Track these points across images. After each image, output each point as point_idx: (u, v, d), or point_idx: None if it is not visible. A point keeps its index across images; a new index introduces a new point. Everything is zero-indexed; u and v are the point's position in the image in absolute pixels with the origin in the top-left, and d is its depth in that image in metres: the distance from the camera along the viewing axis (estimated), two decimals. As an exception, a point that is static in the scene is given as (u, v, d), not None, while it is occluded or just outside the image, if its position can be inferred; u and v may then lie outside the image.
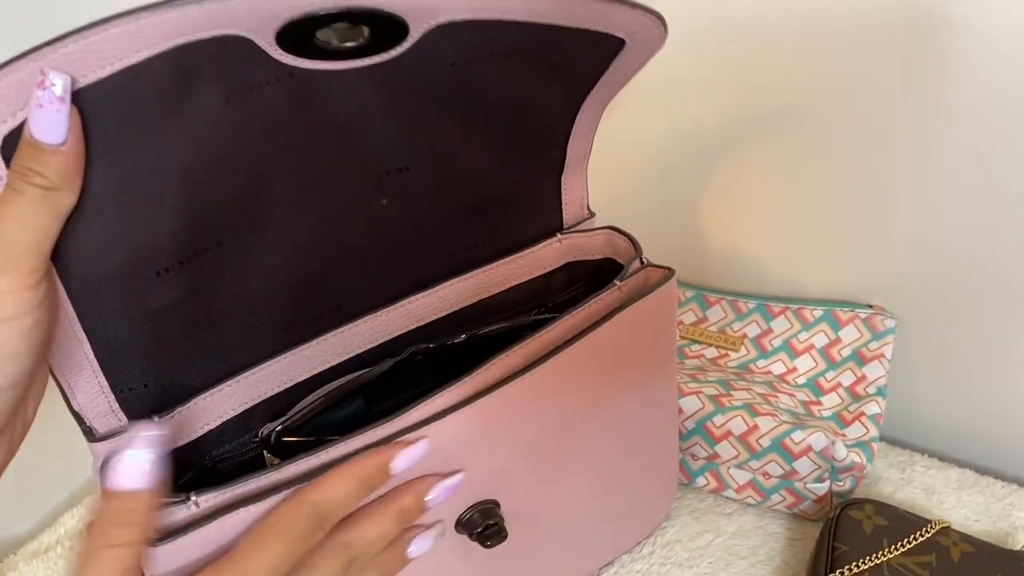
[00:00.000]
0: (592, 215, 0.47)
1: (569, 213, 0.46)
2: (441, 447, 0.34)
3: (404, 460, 0.32)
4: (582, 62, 0.36)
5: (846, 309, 0.58)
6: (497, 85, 0.35)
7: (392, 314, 0.41)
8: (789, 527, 0.54)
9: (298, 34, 0.26)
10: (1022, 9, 0.43)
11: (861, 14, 0.48)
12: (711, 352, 0.60)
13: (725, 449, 0.53)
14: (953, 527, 0.48)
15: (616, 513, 0.50)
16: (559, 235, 0.46)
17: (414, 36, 0.29)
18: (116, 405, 0.32)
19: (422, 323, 0.43)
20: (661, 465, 0.51)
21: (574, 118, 0.40)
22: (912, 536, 0.47)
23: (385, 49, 0.29)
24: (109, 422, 0.32)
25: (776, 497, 0.54)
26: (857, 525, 0.48)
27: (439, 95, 0.34)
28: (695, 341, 0.61)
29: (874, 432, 0.52)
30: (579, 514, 0.46)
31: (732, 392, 0.54)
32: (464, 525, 0.38)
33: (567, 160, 0.43)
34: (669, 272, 0.43)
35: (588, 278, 0.48)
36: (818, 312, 0.58)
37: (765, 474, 0.53)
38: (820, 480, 0.52)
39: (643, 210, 0.64)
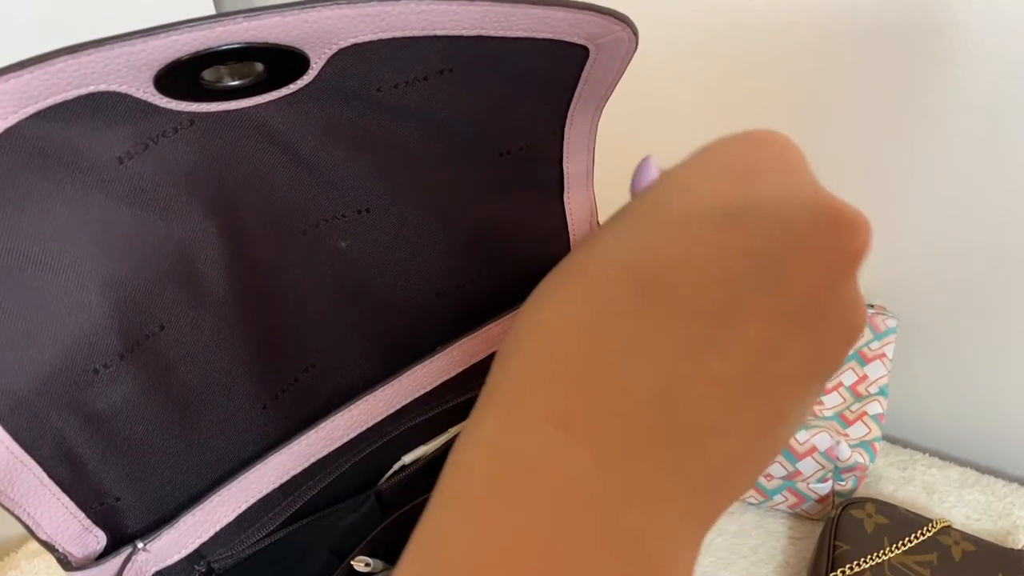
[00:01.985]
0: None
1: (577, 233, 0.43)
2: None
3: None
4: (544, 73, 0.33)
5: (848, 308, 0.58)
6: (447, 105, 0.32)
7: (393, 388, 0.38)
8: (790, 526, 0.54)
9: (180, 78, 0.23)
10: (1022, 9, 0.43)
11: (861, 15, 0.48)
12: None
13: (727, 448, 0.53)
14: (954, 526, 0.49)
15: None
16: None
17: (317, 64, 0.26)
18: (89, 523, 0.29)
19: (427, 389, 0.40)
20: None
21: (562, 134, 0.37)
22: (913, 535, 0.47)
23: (288, 81, 0.26)
24: (86, 542, 0.29)
25: (778, 497, 0.54)
26: (858, 524, 0.48)
27: (378, 125, 0.30)
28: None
29: (876, 432, 0.52)
30: None
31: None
32: None
33: (566, 178, 0.40)
34: None
35: None
36: (820, 311, 0.58)
37: (767, 475, 0.53)
38: (823, 480, 0.52)
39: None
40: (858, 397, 0.55)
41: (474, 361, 0.41)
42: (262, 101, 0.26)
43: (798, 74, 0.52)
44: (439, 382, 0.40)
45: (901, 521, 0.49)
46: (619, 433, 0.16)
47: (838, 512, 0.49)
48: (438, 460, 0.42)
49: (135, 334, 0.28)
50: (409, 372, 0.38)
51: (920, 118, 0.49)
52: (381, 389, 0.38)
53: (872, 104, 0.50)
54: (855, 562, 0.46)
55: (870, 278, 0.58)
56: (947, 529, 0.48)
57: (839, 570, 0.46)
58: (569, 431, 0.16)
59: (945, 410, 0.60)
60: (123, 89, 0.23)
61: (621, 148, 0.62)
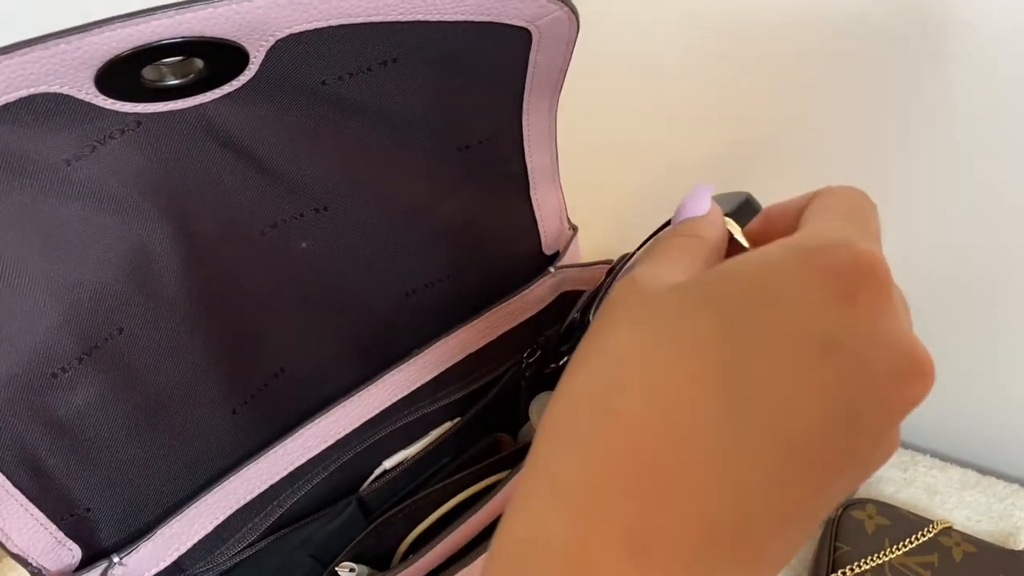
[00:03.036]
0: (574, 229, 0.44)
1: (547, 228, 0.43)
2: None
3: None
4: (491, 61, 0.32)
5: (848, 309, 0.58)
6: (394, 98, 0.31)
7: (370, 393, 0.38)
8: (791, 527, 0.54)
9: (121, 78, 0.23)
10: (1022, 9, 0.43)
11: (860, 15, 0.48)
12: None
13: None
14: (955, 527, 0.49)
15: None
16: (551, 269, 0.43)
17: (257, 57, 0.26)
18: (61, 535, 0.28)
19: (404, 394, 0.39)
20: None
21: (520, 126, 0.37)
22: (914, 536, 0.47)
23: (230, 77, 0.26)
24: (60, 556, 0.28)
25: (778, 497, 0.54)
26: (859, 525, 0.48)
27: (327, 120, 0.30)
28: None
29: (876, 432, 0.52)
30: None
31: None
32: None
33: (530, 173, 0.40)
34: None
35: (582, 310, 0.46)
36: (820, 312, 0.58)
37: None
38: (822, 481, 0.52)
39: (643, 211, 0.64)
40: (858, 398, 0.55)
41: (450, 364, 0.41)
42: (207, 100, 0.26)
43: (798, 75, 0.52)
44: (416, 386, 0.40)
45: (902, 522, 0.48)
46: (689, 565, 0.16)
47: (839, 513, 0.49)
48: (420, 463, 0.42)
49: (92, 337, 0.28)
50: (385, 376, 0.38)
51: (920, 118, 0.49)
52: (358, 394, 0.37)
53: (872, 104, 0.50)
54: (856, 563, 0.46)
55: (870, 279, 0.58)
56: (948, 530, 0.48)
57: (840, 571, 0.46)
58: (643, 558, 0.16)
59: (946, 411, 0.60)
60: (64, 90, 0.23)
61: (622, 148, 0.62)
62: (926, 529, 0.48)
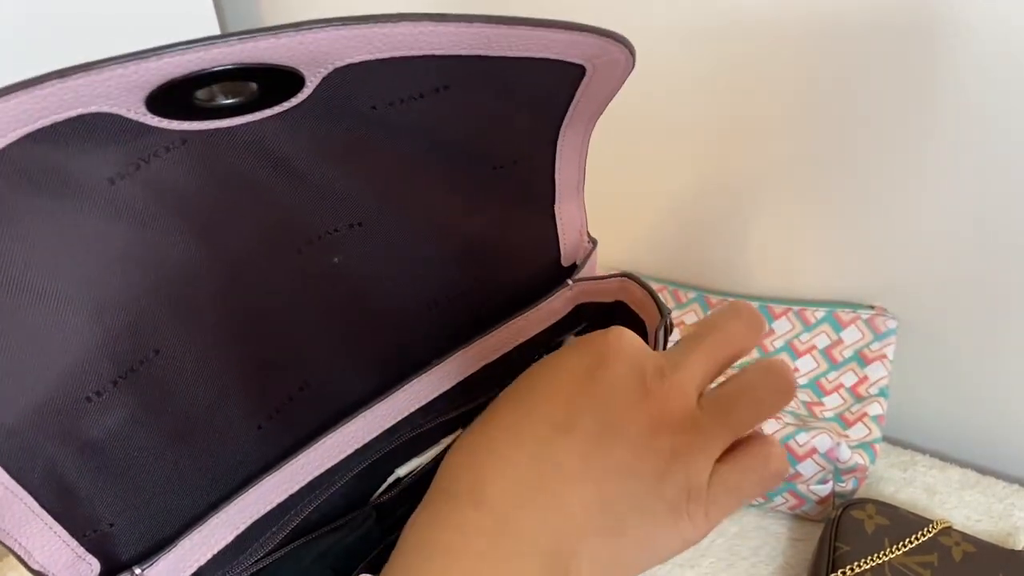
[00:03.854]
0: (594, 243, 0.44)
1: (567, 242, 0.43)
2: None
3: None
4: (540, 91, 0.33)
5: (848, 310, 0.58)
6: (442, 122, 0.31)
7: (388, 403, 0.38)
8: (791, 527, 0.54)
9: (173, 98, 0.23)
10: (1022, 9, 0.43)
11: (861, 15, 0.48)
12: (713, 353, 0.60)
13: (727, 450, 0.53)
14: (955, 527, 0.49)
15: None
16: (570, 282, 0.43)
17: (312, 83, 0.26)
18: (82, 550, 0.28)
19: (421, 404, 0.39)
20: None
21: (554, 147, 0.37)
22: (914, 536, 0.47)
23: (283, 99, 0.26)
24: (79, 570, 0.28)
25: (779, 499, 0.54)
26: (859, 525, 0.48)
27: (372, 141, 0.30)
28: (697, 342, 0.61)
29: (876, 433, 0.52)
30: None
31: (735, 394, 0.55)
32: None
33: (557, 189, 0.40)
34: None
35: (593, 317, 0.45)
36: (820, 313, 0.58)
37: (767, 475, 0.53)
38: (823, 482, 0.52)
39: (644, 212, 0.65)
40: (858, 398, 0.55)
41: (466, 375, 0.41)
42: (255, 119, 0.26)
43: (798, 75, 0.52)
44: (433, 396, 0.40)
45: (902, 522, 0.49)
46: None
47: (838, 513, 0.49)
48: (432, 471, 0.42)
49: (129, 360, 0.27)
50: (404, 387, 0.38)
51: (920, 118, 0.49)
52: (376, 406, 0.37)
53: (872, 104, 0.51)
54: (856, 563, 0.46)
55: (870, 279, 0.58)
56: (948, 530, 0.48)
57: (840, 571, 0.46)
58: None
59: (946, 411, 0.60)
60: (114, 110, 0.22)
61: (615, 145, 0.62)
62: (926, 529, 0.48)
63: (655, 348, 0.38)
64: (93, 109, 0.22)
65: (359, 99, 0.28)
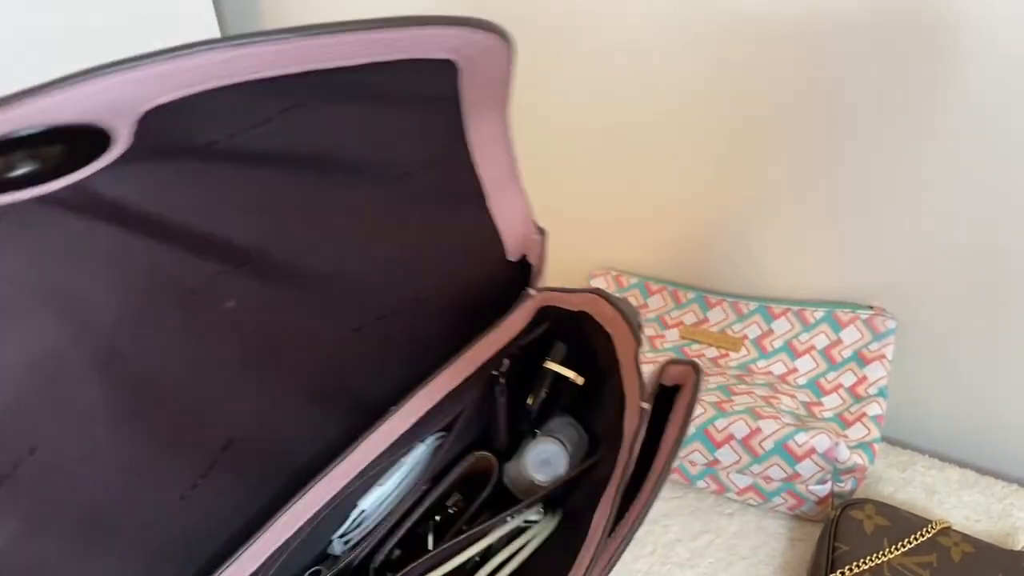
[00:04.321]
0: (543, 233, 0.42)
1: (510, 236, 0.41)
2: None
3: None
4: (414, 91, 0.30)
5: (847, 310, 0.58)
6: (311, 140, 0.28)
7: (347, 462, 0.35)
8: (790, 527, 0.54)
9: None
10: (1022, 9, 0.43)
11: (861, 14, 0.48)
12: (711, 352, 0.60)
13: (726, 454, 0.53)
14: (954, 527, 0.49)
15: None
16: (532, 292, 0.41)
17: (122, 134, 0.23)
18: None
19: (383, 449, 0.38)
20: None
21: (464, 142, 0.35)
22: (913, 536, 0.47)
23: (97, 153, 0.22)
24: None
25: (778, 499, 0.54)
26: (858, 525, 0.48)
27: (228, 176, 0.27)
28: (695, 341, 0.61)
29: (875, 433, 0.52)
30: None
31: (733, 397, 0.55)
32: None
33: (484, 185, 0.37)
34: (694, 371, 0.36)
35: (557, 320, 0.43)
36: (819, 313, 0.58)
37: (767, 478, 0.53)
38: (822, 482, 0.52)
39: (644, 212, 0.65)
40: (857, 398, 0.55)
41: (429, 408, 0.39)
42: (74, 180, 0.22)
43: (798, 76, 0.52)
44: (395, 438, 0.38)
45: (901, 522, 0.49)
46: None
47: (837, 513, 0.50)
48: (400, 502, 0.40)
49: (1, 465, 0.25)
50: (361, 443, 0.36)
51: (920, 119, 0.49)
52: (335, 468, 0.35)
53: (872, 105, 0.51)
54: (855, 563, 0.46)
55: (870, 279, 0.58)
56: (947, 530, 0.48)
57: (839, 571, 0.46)
58: None
59: (945, 411, 0.60)
60: None
61: (616, 144, 0.62)
62: (925, 529, 0.48)
63: (634, 372, 0.37)
64: None
65: (191, 137, 0.25)
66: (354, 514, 0.40)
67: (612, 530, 0.32)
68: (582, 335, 0.42)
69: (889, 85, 0.49)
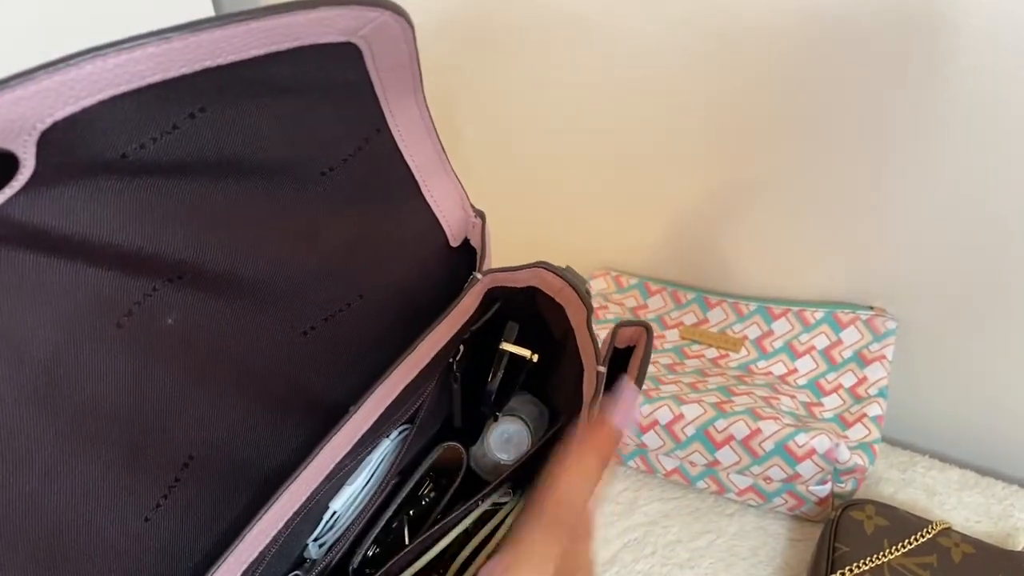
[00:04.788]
0: (480, 216, 0.42)
1: (450, 221, 0.41)
2: None
3: (624, 414, 0.29)
4: (322, 79, 0.29)
5: (847, 311, 0.58)
6: (221, 144, 0.28)
7: (309, 471, 0.35)
8: (790, 527, 0.54)
9: None
10: (1022, 9, 0.43)
11: (861, 14, 0.48)
12: (711, 352, 0.60)
13: (726, 455, 0.53)
14: (954, 528, 0.49)
15: None
16: (478, 276, 0.41)
17: (27, 155, 0.22)
18: None
19: (345, 452, 0.37)
20: None
21: (388, 131, 0.34)
22: (913, 537, 0.47)
23: (7, 179, 0.22)
24: None
25: (778, 500, 0.54)
26: (858, 526, 0.48)
27: (143, 189, 0.27)
28: (695, 341, 0.61)
29: (876, 434, 0.52)
30: None
31: (733, 398, 0.55)
32: None
33: (415, 171, 0.37)
34: (646, 331, 0.37)
35: (508, 299, 0.43)
36: (819, 314, 0.58)
37: (767, 478, 0.53)
38: (822, 482, 0.52)
39: (644, 211, 0.65)
40: (857, 399, 0.55)
41: (387, 405, 0.39)
42: None
43: (798, 76, 0.52)
44: (356, 439, 0.38)
45: (901, 523, 0.49)
46: None
47: (838, 514, 0.50)
48: (370, 499, 0.41)
49: None
50: (323, 449, 0.36)
51: (919, 118, 0.49)
52: (299, 477, 0.35)
53: (872, 104, 0.51)
54: (855, 564, 0.46)
55: (870, 279, 0.58)
56: (947, 531, 0.48)
57: (839, 572, 0.46)
58: None
59: (945, 412, 0.60)
60: None
61: (616, 144, 0.62)
62: (925, 530, 0.48)
63: (588, 339, 0.38)
64: None
65: (99, 153, 0.24)
66: (326, 516, 0.40)
67: None
68: (534, 311, 0.42)
69: (889, 85, 0.49)
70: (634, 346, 0.38)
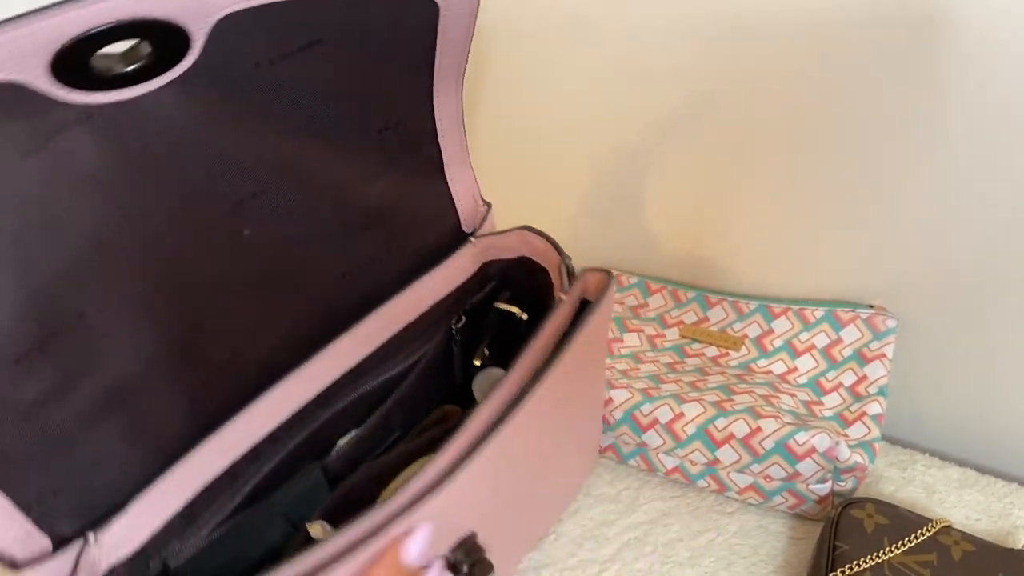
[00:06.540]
0: (488, 206, 0.46)
1: (463, 207, 0.45)
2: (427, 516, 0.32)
3: (416, 550, 0.31)
4: (402, 36, 0.34)
5: (847, 309, 0.58)
6: (322, 81, 0.32)
7: (310, 369, 0.39)
8: (791, 526, 0.54)
9: (72, 65, 0.23)
10: (1023, 9, 0.43)
11: (862, 14, 0.48)
12: (712, 351, 0.60)
13: (726, 453, 0.53)
14: (954, 526, 0.49)
15: (558, 489, 0.51)
16: (472, 239, 0.45)
17: (198, 40, 0.26)
18: (31, 525, 0.28)
19: (347, 367, 0.41)
20: (590, 438, 0.53)
21: (431, 107, 0.39)
22: (913, 535, 0.47)
23: (174, 63, 0.26)
24: (28, 546, 0.28)
25: (778, 498, 0.54)
26: (858, 524, 0.48)
27: (257, 106, 0.31)
28: (695, 340, 0.61)
29: (876, 432, 0.52)
30: (533, 503, 0.47)
31: (734, 396, 0.55)
32: (453, 569, 0.36)
33: (444, 154, 0.41)
34: (607, 275, 0.41)
35: (502, 275, 0.48)
36: (819, 312, 0.58)
37: (767, 477, 0.53)
38: (822, 481, 0.52)
39: (645, 211, 0.65)
40: (857, 397, 0.55)
41: (384, 338, 0.43)
42: (154, 87, 0.27)
43: (798, 75, 0.52)
44: (355, 362, 0.42)
45: (901, 521, 0.49)
46: None
47: (838, 512, 0.50)
48: (373, 436, 0.45)
49: (54, 323, 0.28)
50: (327, 349, 0.40)
51: (920, 117, 0.49)
52: (302, 369, 0.39)
53: (872, 104, 0.51)
54: (855, 562, 0.46)
55: (870, 277, 0.58)
56: (947, 529, 0.48)
57: (839, 570, 0.46)
58: None
59: (945, 410, 0.60)
60: (20, 79, 0.23)
61: (617, 143, 0.62)
62: (925, 528, 0.48)
63: (560, 286, 0.41)
64: (2, 77, 0.22)
65: (243, 57, 0.29)
66: (333, 451, 0.44)
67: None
68: (524, 278, 0.46)
69: (889, 85, 0.49)
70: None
